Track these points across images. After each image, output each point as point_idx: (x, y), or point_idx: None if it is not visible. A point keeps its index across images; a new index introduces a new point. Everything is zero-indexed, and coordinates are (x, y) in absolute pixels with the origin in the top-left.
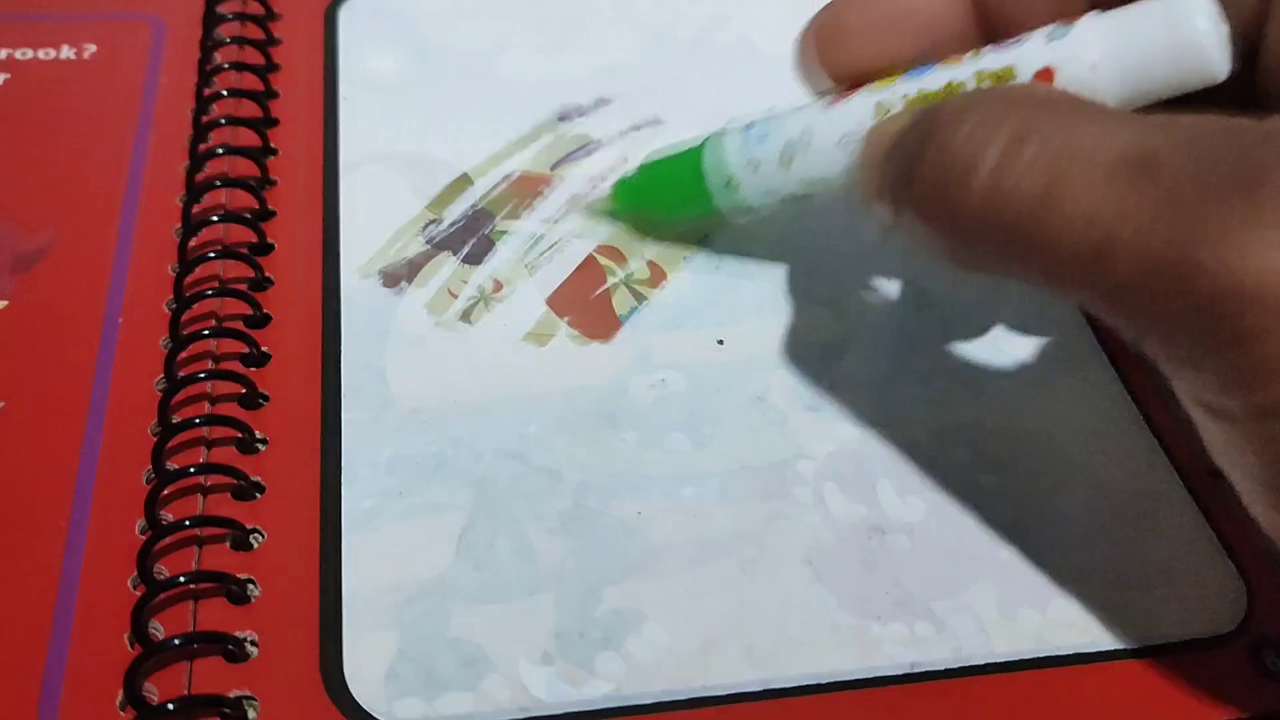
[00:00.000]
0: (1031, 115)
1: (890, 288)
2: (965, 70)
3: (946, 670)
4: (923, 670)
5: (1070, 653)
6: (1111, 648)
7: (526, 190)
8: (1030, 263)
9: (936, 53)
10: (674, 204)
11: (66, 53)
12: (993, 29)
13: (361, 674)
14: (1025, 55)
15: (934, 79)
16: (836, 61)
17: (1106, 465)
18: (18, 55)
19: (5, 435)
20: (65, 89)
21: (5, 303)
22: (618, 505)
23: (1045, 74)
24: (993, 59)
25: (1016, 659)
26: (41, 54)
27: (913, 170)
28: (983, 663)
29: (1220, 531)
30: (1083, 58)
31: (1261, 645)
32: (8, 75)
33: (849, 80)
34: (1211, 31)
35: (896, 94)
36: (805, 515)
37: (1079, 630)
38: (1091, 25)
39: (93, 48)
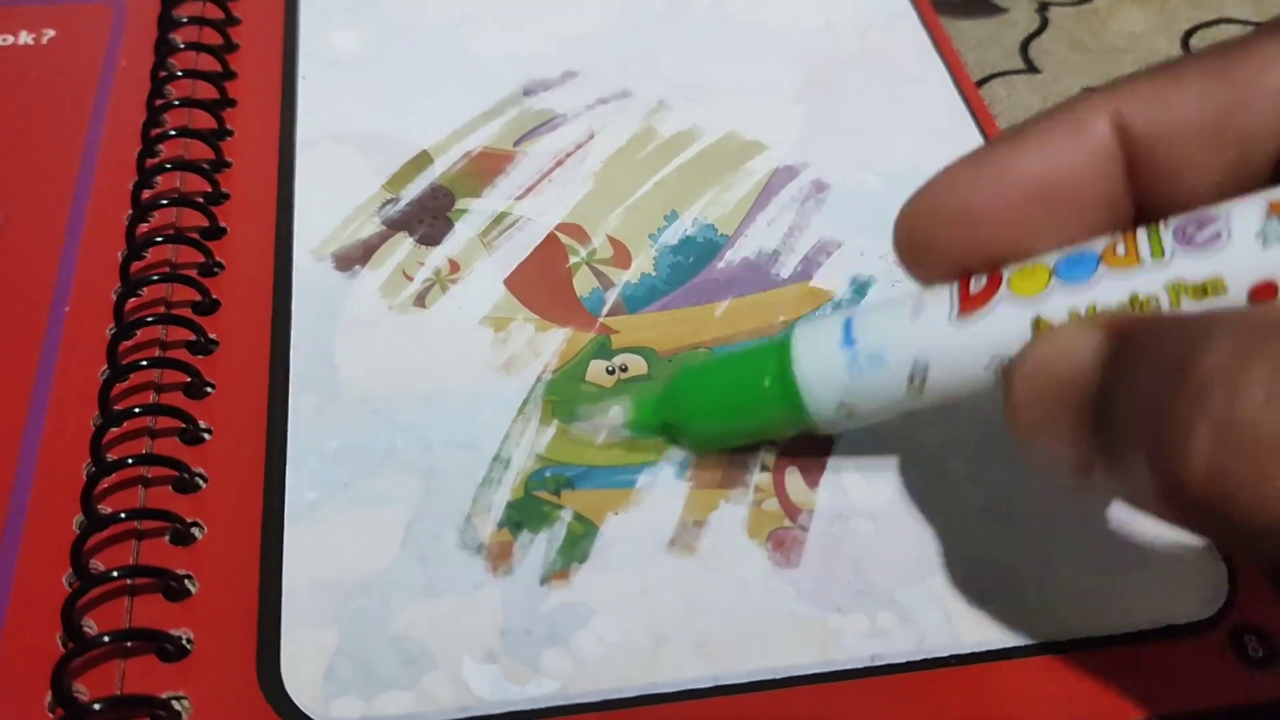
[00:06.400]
0: None
1: (863, 267)
2: (1151, 280)
3: (909, 663)
4: (884, 663)
5: (1042, 642)
6: (1086, 636)
7: (488, 167)
8: None
9: (1082, 235)
10: (742, 426)
11: (25, 38)
12: (1147, 195)
13: (298, 673)
14: (1235, 263)
15: (1106, 288)
16: (955, 247)
17: None
18: None
19: None
20: (22, 75)
21: None
22: (571, 496)
23: (1267, 289)
24: (1188, 266)
25: (984, 650)
26: None
27: (1167, 440)
28: (948, 654)
29: None
30: None
31: (1243, 631)
32: None
33: (967, 269)
34: None
35: (1057, 308)
36: (765, 502)
37: (1051, 619)
38: None
39: (51, 33)
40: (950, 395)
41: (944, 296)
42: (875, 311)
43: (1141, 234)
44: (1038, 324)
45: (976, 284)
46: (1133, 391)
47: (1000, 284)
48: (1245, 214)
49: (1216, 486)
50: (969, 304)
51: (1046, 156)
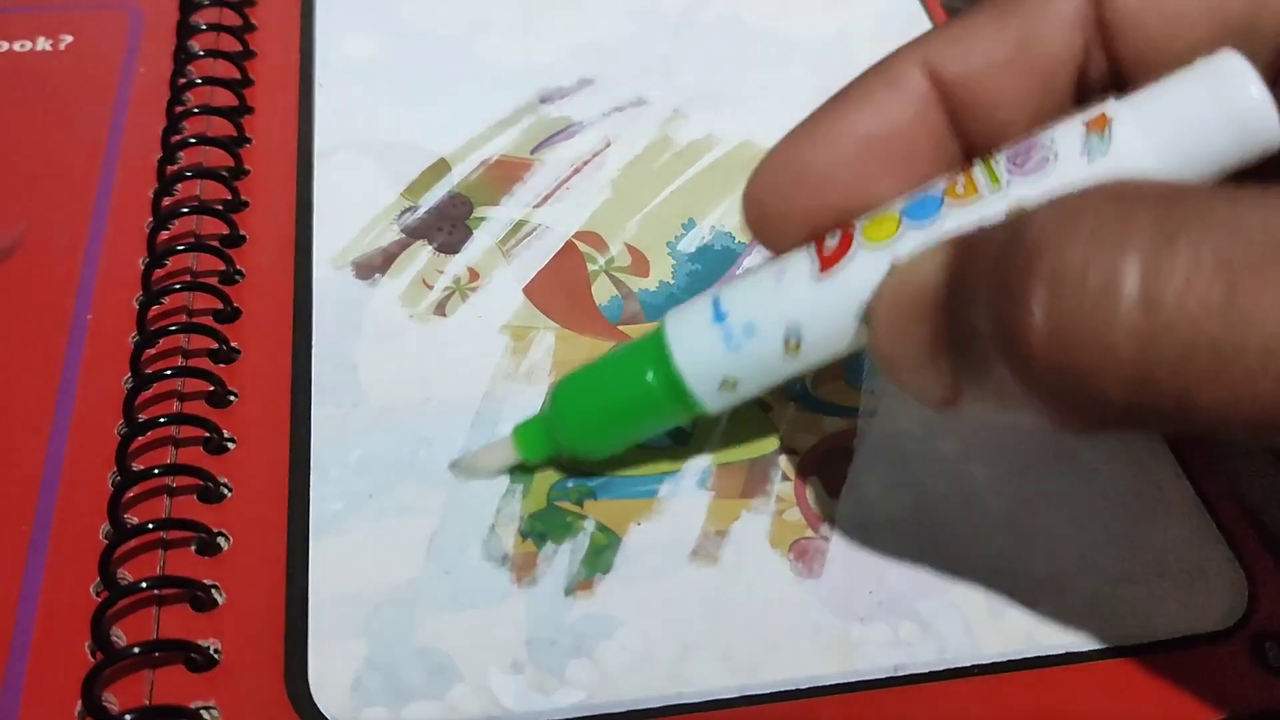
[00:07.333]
0: (1165, 211)
1: None
2: (993, 207)
3: (931, 673)
4: (906, 673)
5: (1062, 652)
6: (1106, 646)
7: (506, 175)
8: (1220, 406)
9: (917, 179)
10: (634, 426)
11: (43, 44)
12: (969, 133)
13: (327, 683)
14: (1066, 178)
15: (953, 222)
16: (803, 212)
17: (1102, 455)
18: None
19: None
20: (41, 81)
21: None
22: (593, 506)
23: None
24: (1027, 188)
25: (1005, 660)
26: (17, 46)
27: (1007, 313)
28: (969, 664)
29: (1220, 521)
30: (1141, 169)
31: (1264, 639)
32: None
33: (818, 231)
34: (1268, 98)
35: (910, 247)
36: (787, 512)
37: (1072, 628)
38: (1131, 129)
39: (69, 39)
40: (827, 352)
41: (803, 258)
42: (740, 284)
43: (977, 168)
44: (894, 268)
45: (831, 241)
46: (974, 283)
47: (853, 236)
48: (1067, 135)
49: (1060, 349)
50: (828, 260)
51: (871, 112)
